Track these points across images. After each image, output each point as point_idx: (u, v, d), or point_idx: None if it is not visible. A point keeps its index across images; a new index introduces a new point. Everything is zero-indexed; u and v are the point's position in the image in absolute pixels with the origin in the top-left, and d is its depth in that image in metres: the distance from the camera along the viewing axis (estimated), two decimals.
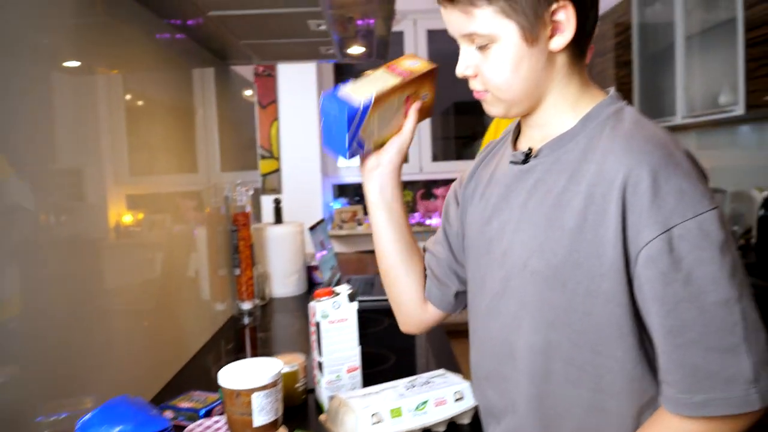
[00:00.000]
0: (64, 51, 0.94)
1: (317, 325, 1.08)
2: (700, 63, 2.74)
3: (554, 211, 0.77)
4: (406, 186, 4.41)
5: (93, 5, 1.06)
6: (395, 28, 4.23)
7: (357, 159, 0.96)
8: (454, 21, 0.80)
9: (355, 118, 0.86)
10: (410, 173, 4.43)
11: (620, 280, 0.73)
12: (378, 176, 0.97)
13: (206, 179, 1.70)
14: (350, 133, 0.87)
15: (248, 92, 2.26)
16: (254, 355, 1.55)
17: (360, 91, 0.87)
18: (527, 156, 0.84)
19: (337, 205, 4.36)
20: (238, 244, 1.77)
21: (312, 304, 1.09)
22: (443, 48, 4.29)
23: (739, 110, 2.31)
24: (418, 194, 4.47)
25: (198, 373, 1.37)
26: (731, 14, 2.39)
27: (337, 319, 1.08)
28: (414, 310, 1.04)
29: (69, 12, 0.97)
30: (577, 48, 0.79)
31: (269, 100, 4.14)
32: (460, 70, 0.82)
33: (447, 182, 4.32)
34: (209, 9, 1.26)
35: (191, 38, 1.53)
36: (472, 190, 0.95)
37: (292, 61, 2.29)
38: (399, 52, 4.42)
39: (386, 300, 1.88)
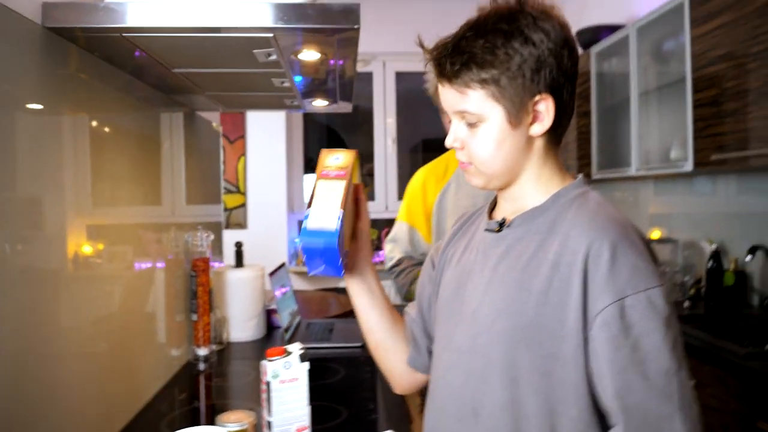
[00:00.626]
0: (31, 96, 0.98)
1: (268, 384, 1.09)
2: (655, 118, 2.87)
3: (522, 275, 0.86)
4: (372, 224, 4.45)
5: (65, 63, 1.09)
6: (365, 68, 4.31)
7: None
8: (449, 98, 0.91)
9: (338, 239, 0.93)
10: (375, 212, 4.47)
11: (578, 342, 0.81)
12: (358, 269, 1.07)
13: (170, 212, 1.70)
14: (341, 254, 0.94)
15: (215, 124, 2.27)
16: (208, 405, 1.54)
17: (325, 214, 0.94)
18: (501, 225, 0.93)
19: None
20: (197, 290, 1.77)
21: (263, 363, 1.10)
22: (411, 88, 4.38)
23: (688, 167, 2.42)
24: (383, 233, 4.51)
25: (150, 425, 1.36)
26: (681, 75, 2.52)
27: (287, 379, 1.10)
28: (403, 375, 1.13)
29: (38, 66, 1.00)
30: (553, 136, 0.92)
31: (237, 135, 4.16)
32: (449, 142, 0.93)
33: None
34: (173, 67, 1.29)
35: (159, 90, 1.56)
36: (450, 256, 1.04)
37: (259, 110, 2.32)
38: (369, 91, 4.46)
39: (344, 347, 1.90)
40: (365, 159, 4.69)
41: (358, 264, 1.06)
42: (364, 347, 1.94)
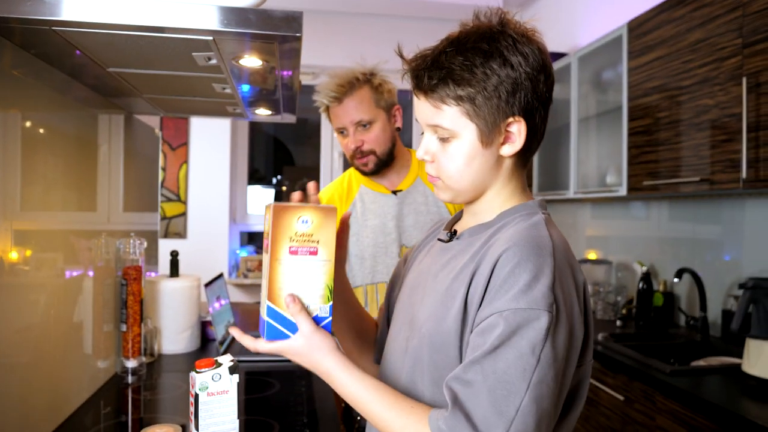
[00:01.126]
0: None
1: (195, 396, 1.05)
2: (593, 144, 2.97)
3: (452, 283, 0.89)
4: None
5: None
6: (313, 81, 4.30)
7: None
8: (423, 110, 0.92)
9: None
10: None
11: (464, 343, 0.85)
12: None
13: (105, 218, 1.64)
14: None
15: (156, 130, 2.20)
16: (135, 419, 1.48)
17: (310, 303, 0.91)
18: (451, 237, 0.98)
19: (244, 252, 4.29)
20: (127, 299, 1.70)
21: (192, 375, 1.07)
22: None
23: (622, 191, 2.51)
24: None
25: None
26: (618, 103, 2.62)
27: (216, 391, 1.06)
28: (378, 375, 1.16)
29: None
30: (522, 157, 0.94)
31: (180, 141, 4.07)
32: (420, 154, 0.95)
33: None
34: (109, 66, 1.24)
35: (96, 91, 1.50)
36: (414, 258, 1.09)
37: (201, 116, 2.27)
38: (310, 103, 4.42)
39: (280, 361, 1.86)
40: (314, 172, 4.67)
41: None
42: None
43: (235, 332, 0.96)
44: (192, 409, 1.07)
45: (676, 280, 2.35)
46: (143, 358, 1.76)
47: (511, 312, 0.79)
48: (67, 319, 1.40)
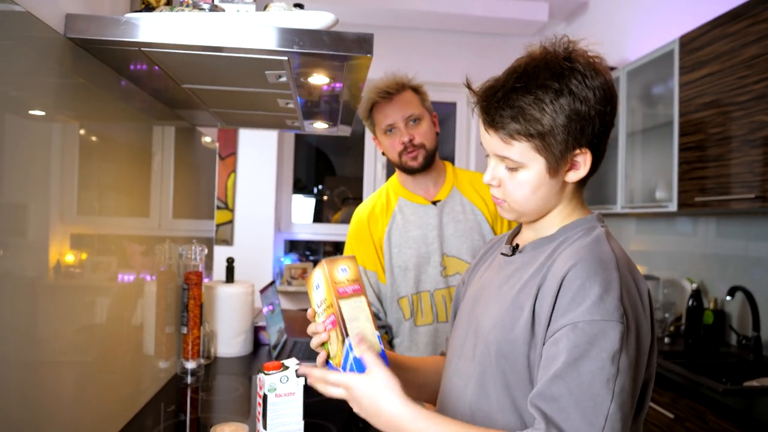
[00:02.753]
0: (38, 102, 0.98)
1: (264, 397, 1.10)
2: (641, 159, 2.95)
3: (519, 294, 0.93)
4: None
5: (78, 72, 1.10)
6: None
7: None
8: (491, 142, 0.95)
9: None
10: None
11: (539, 353, 0.88)
12: None
13: (157, 224, 1.71)
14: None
15: (208, 139, 2.28)
16: (194, 418, 1.54)
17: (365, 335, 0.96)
18: (514, 250, 1.02)
19: (288, 260, 4.37)
20: (188, 303, 1.77)
21: (260, 377, 1.12)
22: None
23: (672, 207, 2.49)
24: None
25: None
26: (668, 119, 2.60)
27: (284, 393, 1.11)
28: None
29: (53, 74, 1.02)
30: (584, 181, 0.98)
31: (229, 151, 4.18)
32: (487, 180, 0.98)
33: None
34: (184, 82, 1.32)
35: (159, 101, 1.58)
36: (474, 273, 1.13)
37: (258, 128, 2.35)
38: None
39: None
40: (354, 183, 4.73)
41: None
42: None
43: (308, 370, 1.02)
44: (260, 409, 1.12)
45: (728, 298, 2.32)
46: (201, 360, 1.82)
47: (586, 323, 0.83)
48: (128, 320, 1.47)
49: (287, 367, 1.12)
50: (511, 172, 0.95)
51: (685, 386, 1.96)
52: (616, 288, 0.85)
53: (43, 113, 1.01)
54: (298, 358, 2.00)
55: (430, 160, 1.76)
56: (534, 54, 0.94)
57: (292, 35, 1.03)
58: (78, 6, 1.10)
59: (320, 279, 1.02)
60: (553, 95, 0.89)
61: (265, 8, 1.10)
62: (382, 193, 1.87)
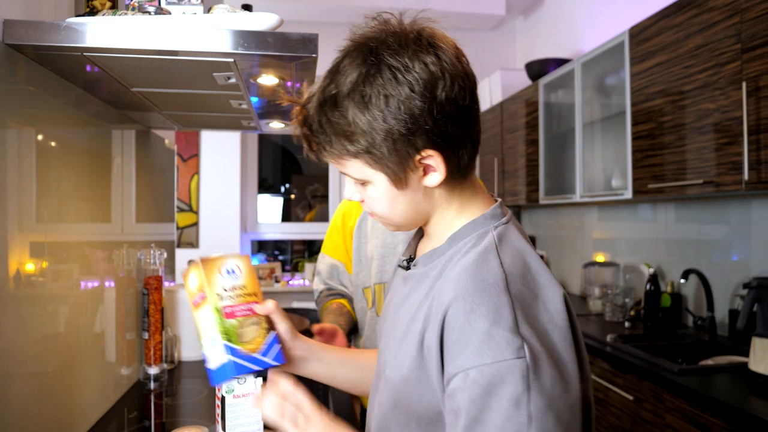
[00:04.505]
0: None
1: (222, 399, 1.10)
2: (598, 148, 3.02)
3: (409, 325, 0.83)
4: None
5: (18, 77, 1.09)
6: None
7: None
8: (330, 162, 0.84)
9: (243, 360, 0.94)
10: None
11: (441, 408, 0.77)
12: (294, 355, 1.02)
13: (119, 230, 1.69)
14: (262, 356, 0.96)
15: (167, 141, 2.27)
16: (158, 424, 1.53)
17: (213, 349, 0.93)
18: (409, 262, 0.92)
19: (255, 261, 4.35)
20: (149, 308, 1.76)
21: None
22: None
23: (628, 194, 2.56)
24: None
25: None
26: (621, 108, 2.67)
27: (242, 394, 1.11)
28: None
29: None
30: (455, 178, 0.83)
31: (191, 153, 4.14)
32: (347, 196, 0.88)
33: None
34: (133, 86, 1.31)
35: (112, 106, 1.56)
36: (392, 276, 1.02)
37: (215, 129, 2.33)
38: None
39: None
40: (321, 180, 4.73)
41: (290, 352, 1.01)
42: None
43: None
44: (219, 411, 1.12)
45: (682, 281, 2.39)
46: (164, 365, 1.81)
47: (476, 370, 0.71)
48: (89, 328, 1.45)
49: None
50: (363, 187, 0.84)
51: (644, 368, 2.02)
52: (506, 316, 0.72)
53: None
54: None
55: None
56: (347, 47, 0.81)
57: (236, 37, 1.04)
58: (18, 12, 1.08)
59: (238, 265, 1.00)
60: (363, 104, 0.76)
61: (209, 11, 1.09)
62: None
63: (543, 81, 3.34)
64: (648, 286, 2.71)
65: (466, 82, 0.79)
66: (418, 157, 0.78)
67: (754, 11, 1.88)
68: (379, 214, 0.86)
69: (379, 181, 0.81)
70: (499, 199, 0.90)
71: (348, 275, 1.82)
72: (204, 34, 1.03)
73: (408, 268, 0.91)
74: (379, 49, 0.77)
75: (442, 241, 0.87)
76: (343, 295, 1.80)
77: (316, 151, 0.83)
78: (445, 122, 0.77)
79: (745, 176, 1.89)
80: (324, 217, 4.57)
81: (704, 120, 2.11)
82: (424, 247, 0.92)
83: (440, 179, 0.81)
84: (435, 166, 0.80)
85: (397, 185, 0.81)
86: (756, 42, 1.87)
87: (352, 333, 1.79)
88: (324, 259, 1.87)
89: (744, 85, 1.89)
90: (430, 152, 0.78)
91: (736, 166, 1.96)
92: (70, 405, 1.33)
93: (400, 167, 0.79)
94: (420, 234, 0.97)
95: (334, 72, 0.80)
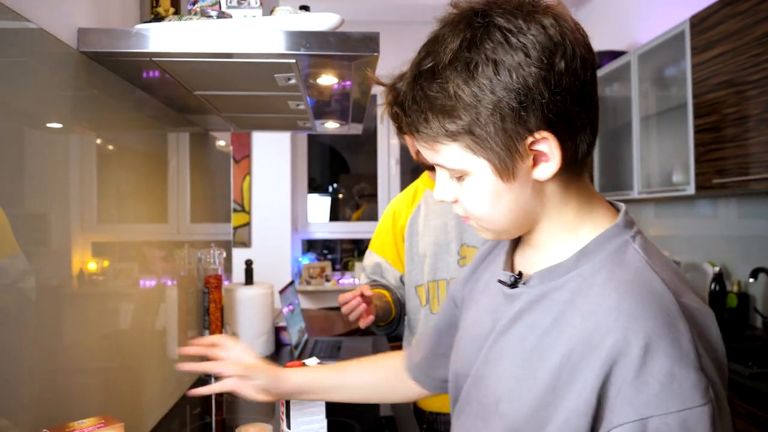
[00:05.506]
0: (55, 115, 1.00)
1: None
2: (656, 142, 2.92)
3: (532, 355, 0.69)
4: None
5: (92, 84, 1.12)
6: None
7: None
8: (422, 150, 0.72)
9: None
10: None
11: None
12: (277, 392, 1.05)
13: (175, 230, 1.73)
14: None
15: (221, 143, 2.30)
16: (219, 420, 1.56)
17: None
18: (516, 281, 0.76)
19: (306, 260, 4.39)
20: (209, 306, 1.80)
21: None
22: None
23: (690, 190, 2.47)
24: None
25: None
26: (682, 101, 2.58)
27: None
28: (392, 395, 1.11)
29: (68, 87, 1.04)
30: (570, 171, 0.70)
31: (243, 154, 4.22)
32: (438, 196, 0.75)
33: None
34: (196, 89, 1.33)
35: (171, 108, 1.60)
36: (469, 292, 0.90)
37: (270, 130, 2.37)
38: (373, 113, 4.52)
39: None
40: (368, 179, 4.74)
41: (273, 391, 1.04)
42: None
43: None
44: (283, 409, 1.13)
45: (751, 280, 2.29)
46: None
47: (660, 419, 0.59)
48: (151, 325, 1.49)
49: (308, 366, 1.13)
50: (459, 182, 0.71)
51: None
52: (688, 350, 0.60)
53: (60, 125, 1.03)
54: (319, 357, 2.02)
55: None
56: (446, 18, 0.69)
57: (298, 38, 1.04)
58: (90, 20, 1.12)
59: None
60: (467, 73, 0.64)
61: (271, 12, 1.11)
62: (410, 189, 1.92)
63: (598, 74, 3.25)
64: (712, 286, 2.61)
65: (587, 54, 0.67)
66: (530, 139, 0.65)
67: None
68: (478, 214, 0.72)
69: (481, 171, 0.68)
70: (623, 204, 0.76)
71: (393, 272, 1.82)
72: (266, 35, 1.04)
73: (514, 285, 0.76)
74: (488, 11, 0.65)
75: (559, 254, 0.72)
76: (385, 287, 1.80)
77: (407, 133, 0.71)
78: (564, 97, 0.64)
79: None
80: (371, 216, 4.58)
81: None
82: (529, 261, 0.78)
83: (554, 170, 0.67)
84: (548, 153, 0.66)
85: (503, 176, 0.67)
86: None
87: (392, 323, 1.78)
88: (370, 256, 1.88)
89: None
90: (545, 134, 0.65)
91: None
92: (135, 402, 1.37)
93: (507, 152, 0.66)
94: (514, 244, 0.83)
95: (432, 43, 0.68)
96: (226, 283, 2.22)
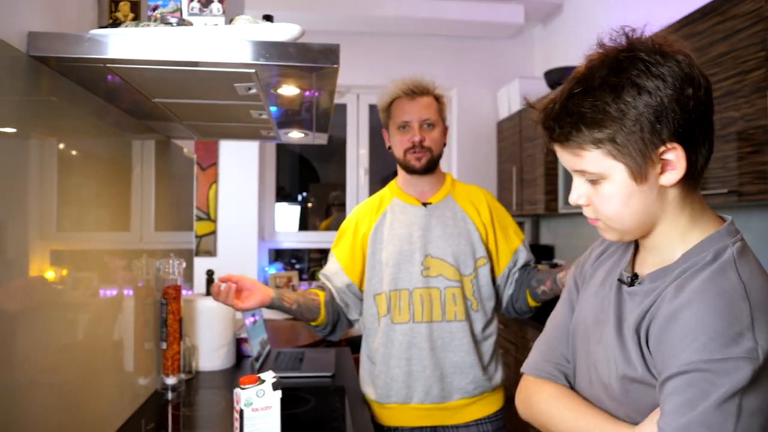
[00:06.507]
0: (7, 120, 0.98)
1: (240, 412, 1.10)
2: None
3: (631, 333, 0.85)
4: None
5: (43, 89, 1.10)
6: (339, 100, 4.38)
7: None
8: (565, 158, 0.87)
9: None
10: None
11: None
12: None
13: (138, 238, 1.70)
14: None
15: (185, 150, 2.27)
16: None
17: None
18: (633, 280, 0.90)
19: (273, 270, 4.35)
20: (167, 318, 1.76)
21: (236, 391, 1.11)
22: None
23: None
24: None
25: None
26: None
27: (260, 407, 1.10)
28: None
29: (18, 92, 1.01)
30: (690, 181, 0.84)
31: (210, 162, 4.17)
32: (573, 199, 0.89)
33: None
34: (154, 97, 1.31)
35: (133, 116, 1.57)
36: (589, 277, 1.02)
37: (234, 139, 2.34)
38: (343, 122, 4.51)
39: (314, 377, 1.91)
40: (336, 188, 4.73)
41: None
42: (334, 377, 1.95)
43: None
44: (237, 424, 1.11)
45: None
46: (182, 375, 1.81)
47: (703, 362, 0.74)
48: (108, 337, 1.45)
49: (263, 381, 1.11)
50: (595, 185, 0.85)
51: None
52: (744, 320, 0.74)
53: (13, 130, 1.00)
54: (281, 369, 2.00)
55: (432, 164, 1.79)
56: (592, 57, 0.85)
57: (258, 48, 1.03)
58: (43, 24, 1.09)
59: None
60: (614, 93, 0.79)
61: (230, 21, 1.09)
62: (376, 196, 1.91)
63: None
64: None
65: (708, 86, 0.83)
66: (662, 148, 0.80)
67: None
68: (610, 214, 0.85)
69: (618, 174, 0.82)
70: (730, 217, 0.88)
71: (342, 277, 1.81)
72: (226, 45, 1.03)
73: (632, 283, 0.90)
74: (632, 48, 0.82)
75: (670, 256, 0.86)
76: (321, 289, 1.80)
77: (557, 142, 0.85)
78: (690, 116, 0.80)
79: None
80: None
81: (728, 128, 2.08)
82: (646, 262, 0.91)
83: (678, 177, 0.82)
84: (675, 161, 0.81)
85: (637, 179, 0.82)
86: None
87: (324, 326, 1.78)
88: (332, 258, 1.86)
89: None
90: (674, 145, 0.80)
91: (761, 175, 1.92)
92: (88, 415, 1.33)
93: (642, 158, 0.80)
94: (634, 248, 0.96)
95: (582, 74, 0.84)
96: (188, 293, 2.18)
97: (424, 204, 1.80)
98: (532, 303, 1.79)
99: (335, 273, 1.82)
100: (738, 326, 0.73)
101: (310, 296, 1.75)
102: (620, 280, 0.93)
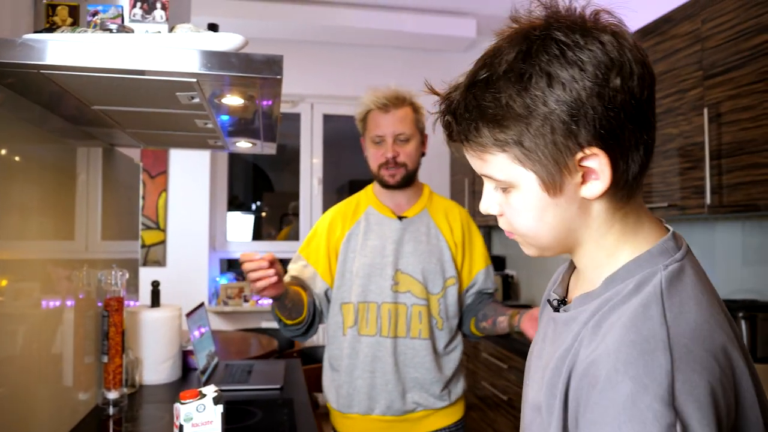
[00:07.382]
0: None
1: (180, 428, 1.07)
2: None
3: (553, 375, 0.69)
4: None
5: None
6: (293, 109, 4.36)
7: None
8: (470, 160, 0.72)
9: None
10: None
11: None
12: None
13: (83, 247, 1.65)
14: None
15: (131, 157, 2.22)
16: None
17: None
18: (560, 304, 0.78)
19: (224, 280, 4.28)
20: (109, 330, 1.71)
21: (176, 406, 1.09)
22: (338, 129, 4.46)
23: None
24: None
25: None
26: None
27: (201, 422, 1.08)
28: None
29: None
30: (620, 192, 0.68)
31: (159, 170, 4.08)
32: (483, 208, 0.75)
33: None
34: (93, 104, 1.28)
35: (75, 123, 1.53)
36: (544, 305, 0.87)
37: (181, 148, 2.30)
38: (296, 131, 4.48)
39: (262, 389, 1.89)
40: (291, 197, 4.70)
41: None
42: (282, 389, 1.92)
43: None
44: None
45: None
46: (124, 389, 1.76)
47: None
48: (46, 351, 1.41)
49: (204, 395, 1.09)
50: (505, 194, 0.71)
51: None
52: (660, 381, 0.57)
53: None
54: (229, 382, 1.96)
55: (408, 180, 1.77)
56: (503, 33, 0.69)
57: (200, 57, 1.02)
58: None
59: None
60: (519, 84, 0.64)
61: (171, 30, 1.08)
62: (352, 200, 1.88)
63: None
64: None
65: (646, 73, 0.65)
66: (579, 155, 0.64)
67: (714, 40, 1.93)
68: (522, 229, 0.72)
69: (528, 183, 0.67)
70: (671, 228, 0.73)
71: (321, 283, 1.78)
72: (166, 53, 1.02)
73: (557, 309, 0.77)
74: (547, 25, 0.65)
75: (594, 280, 0.71)
76: (303, 288, 1.76)
77: (457, 142, 0.71)
78: (617, 114, 0.63)
79: (708, 200, 1.93)
80: (296, 236, 4.53)
81: (668, 144, 2.16)
82: (575, 285, 0.79)
83: (602, 189, 0.65)
84: (598, 170, 0.65)
85: (550, 190, 0.66)
86: (717, 70, 1.92)
87: (300, 325, 1.74)
88: (299, 261, 1.83)
89: (705, 111, 1.94)
90: (595, 150, 0.64)
91: (699, 190, 2.00)
92: (25, 430, 1.28)
93: (555, 166, 0.65)
94: (573, 268, 0.83)
95: (489, 54, 0.68)
96: (132, 304, 2.12)
97: (400, 218, 1.80)
98: (475, 332, 1.80)
99: (311, 277, 1.79)
100: (653, 391, 0.57)
101: (298, 295, 1.71)
102: (549, 302, 0.81)
